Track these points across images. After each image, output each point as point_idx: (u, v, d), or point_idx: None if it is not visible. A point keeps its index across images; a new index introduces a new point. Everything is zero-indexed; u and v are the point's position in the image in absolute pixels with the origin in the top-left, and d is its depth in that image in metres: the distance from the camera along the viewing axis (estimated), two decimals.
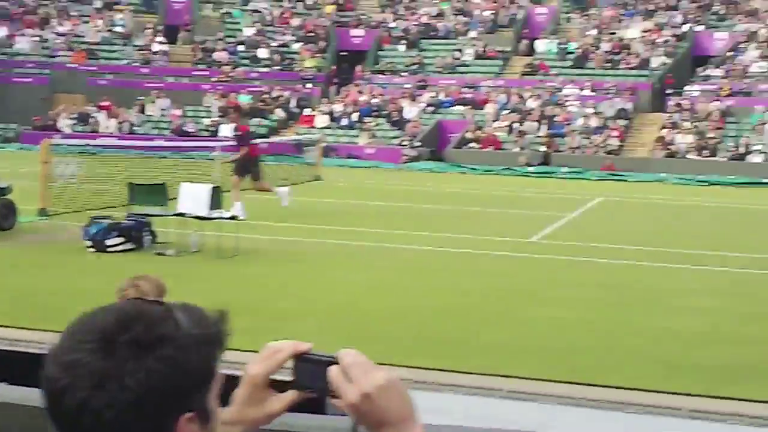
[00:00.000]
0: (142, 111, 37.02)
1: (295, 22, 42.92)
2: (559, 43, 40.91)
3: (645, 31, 40.91)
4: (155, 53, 40.39)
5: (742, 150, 31.83)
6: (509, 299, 9.63)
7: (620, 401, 6.17)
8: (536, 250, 13.23)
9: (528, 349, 7.54)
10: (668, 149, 32.73)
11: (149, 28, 41.48)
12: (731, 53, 38.72)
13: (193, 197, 12.25)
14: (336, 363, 1.36)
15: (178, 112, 36.63)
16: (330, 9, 43.92)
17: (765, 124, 32.79)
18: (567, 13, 44.65)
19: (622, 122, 34.87)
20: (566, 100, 36.14)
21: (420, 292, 9.86)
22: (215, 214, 12.15)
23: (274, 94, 37.80)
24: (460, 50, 41.12)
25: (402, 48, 41.85)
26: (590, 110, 35.12)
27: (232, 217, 12.25)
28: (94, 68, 39.29)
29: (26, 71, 39.36)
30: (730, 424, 5.82)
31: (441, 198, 21.28)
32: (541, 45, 41.23)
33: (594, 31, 41.42)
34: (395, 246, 13.19)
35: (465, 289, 10.07)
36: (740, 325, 8.55)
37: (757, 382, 6.68)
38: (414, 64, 40.44)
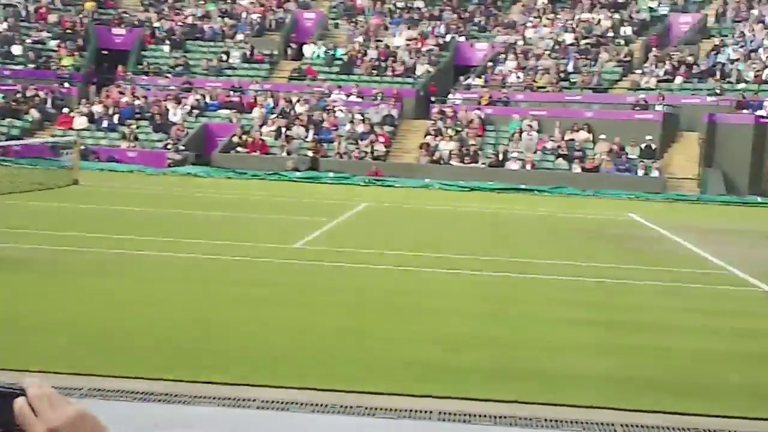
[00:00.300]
0: None
1: (53, 18, 41.00)
2: (327, 49, 41.26)
3: (410, 40, 41.98)
4: None
5: (501, 157, 33.17)
6: (266, 306, 9.45)
7: (376, 407, 6.14)
8: (299, 256, 13.15)
9: (282, 357, 7.39)
10: (432, 155, 33.65)
11: None
12: (491, 63, 40.35)
13: None
14: (23, 394, 1.23)
15: None
16: (90, 6, 42.29)
17: (522, 132, 34.33)
18: (334, 19, 45.15)
19: (388, 128, 35.55)
20: (333, 106, 36.45)
21: (172, 303, 9.50)
22: None
23: (29, 93, 35.90)
24: (226, 53, 40.68)
25: (166, 48, 40.91)
26: (357, 116, 35.57)
27: None
28: None
29: None
30: (483, 425, 5.91)
31: (204, 204, 20.88)
32: (308, 50, 41.44)
33: (361, 38, 42.06)
34: (156, 254, 12.72)
35: (227, 298, 9.81)
36: (492, 327, 8.77)
37: (507, 383, 6.83)
38: (179, 65, 39.61)
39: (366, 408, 6.11)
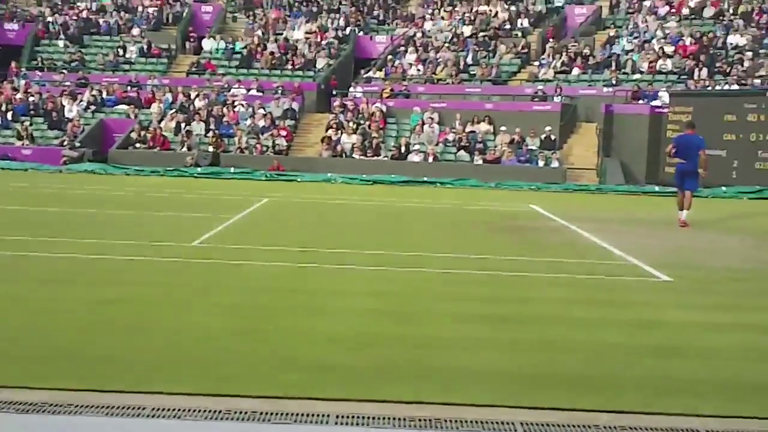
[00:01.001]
0: None
1: None
2: (226, 43, 40.71)
3: (309, 33, 41.72)
4: None
5: (403, 150, 33.19)
6: (161, 308, 9.12)
7: (268, 411, 5.92)
8: (197, 255, 12.81)
9: (174, 360, 7.09)
10: (334, 149, 33.49)
11: None
12: (391, 56, 40.36)
13: None
14: None
15: None
16: None
17: (424, 124, 34.41)
18: (233, 12, 44.61)
19: (289, 122, 35.28)
20: (233, 100, 36.00)
21: (65, 306, 9.10)
22: None
23: None
24: (123, 47, 39.79)
25: (61, 44, 39.81)
26: (258, 110, 35.20)
27: None
28: None
29: None
30: (376, 427, 5.74)
31: (99, 201, 20.31)
32: (207, 44, 40.85)
33: (260, 32, 41.62)
34: (49, 255, 12.24)
35: (110, 298, 9.43)
36: (390, 325, 8.62)
37: (406, 382, 6.68)
38: (74, 60, 38.60)
39: (258, 413, 5.89)
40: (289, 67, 39.59)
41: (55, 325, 8.21)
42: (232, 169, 31.09)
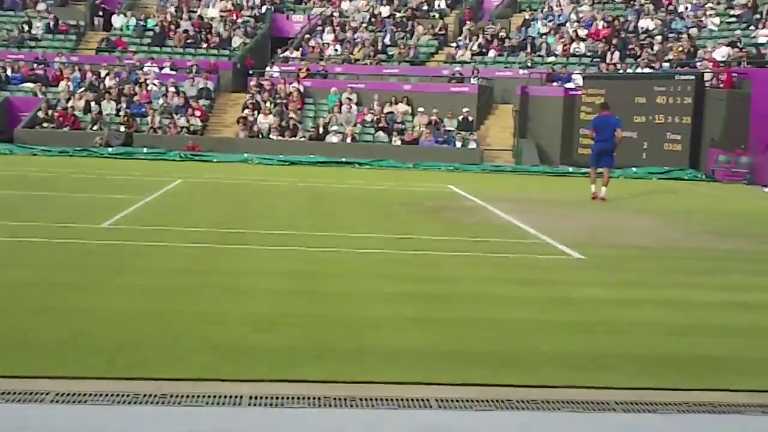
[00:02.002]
0: None
1: None
2: (137, 19, 39.92)
3: (224, 11, 41.17)
4: None
5: (321, 130, 33.03)
6: (69, 290, 8.88)
7: (180, 394, 5.80)
8: (107, 237, 12.52)
9: (83, 344, 6.90)
10: (251, 129, 33.15)
11: None
12: (308, 36, 40.08)
13: None
14: None
15: None
16: None
17: (342, 105, 34.27)
18: None
19: (204, 102, 34.79)
20: (146, 79, 35.31)
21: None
22: None
23: None
24: (28, 23, 38.70)
25: None
26: (171, 89, 34.61)
27: None
28: None
29: None
30: (290, 407, 5.67)
31: (7, 183, 19.76)
32: (117, 20, 40.00)
33: (173, 9, 40.92)
34: None
35: (15, 281, 9.16)
36: (305, 304, 8.54)
37: (323, 362, 6.63)
38: None
39: (170, 396, 5.76)
40: (204, 45, 39.02)
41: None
42: (144, 150, 30.53)
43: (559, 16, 40.14)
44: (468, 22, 40.39)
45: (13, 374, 6.08)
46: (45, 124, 32.42)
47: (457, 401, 5.84)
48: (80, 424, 5.33)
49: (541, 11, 41.43)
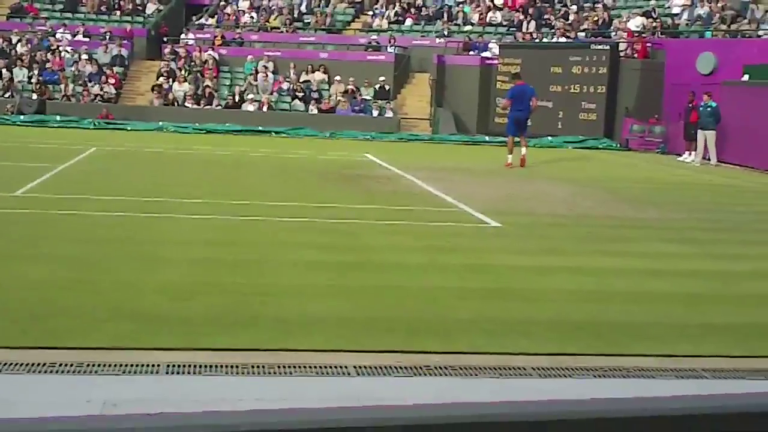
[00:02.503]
0: None
1: None
2: None
3: None
4: None
5: (237, 98, 32.70)
6: None
7: (97, 362, 5.74)
8: (20, 205, 12.26)
9: None
10: (166, 97, 32.65)
11: None
12: (223, 3, 39.55)
13: None
14: None
15: None
16: None
17: (258, 73, 33.96)
18: None
19: (118, 69, 34.11)
20: (58, 46, 34.47)
21: None
22: None
23: None
24: None
25: None
26: (84, 56, 33.85)
27: None
28: None
29: None
30: (208, 374, 5.66)
31: None
32: None
33: None
34: None
35: None
36: (222, 273, 8.50)
37: (241, 330, 6.62)
38: None
39: (85, 364, 5.70)
40: (117, 12, 38.25)
41: None
42: (57, 118, 29.87)
43: None
44: None
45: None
46: None
47: (376, 368, 5.90)
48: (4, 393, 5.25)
49: None
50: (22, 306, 7.02)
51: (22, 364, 5.67)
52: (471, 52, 34.82)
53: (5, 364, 5.64)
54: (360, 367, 5.90)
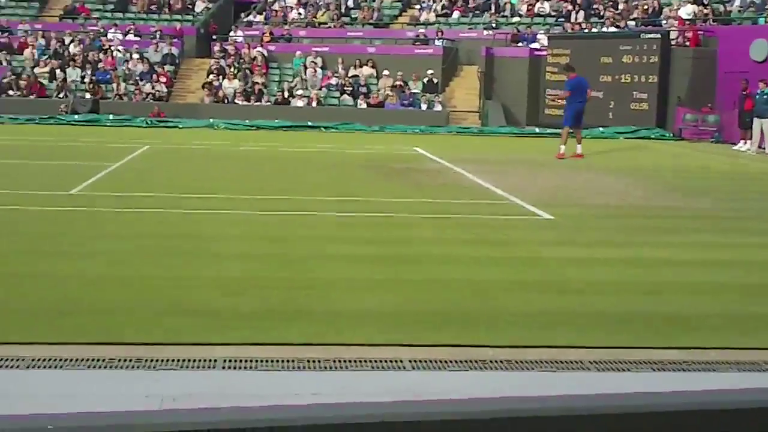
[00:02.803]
0: None
1: None
2: None
3: None
4: None
5: (286, 94, 32.87)
6: (39, 257, 8.85)
7: (156, 358, 5.82)
8: (75, 203, 12.46)
9: (55, 310, 6.90)
10: (216, 95, 32.93)
11: None
12: (271, 0, 39.75)
13: None
14: None
15: None
16: None
17: (306, 69, 34.09)
18: None
19: (169, 68, 34.45)
20: (110, 45, 34.91)
21: None
22: None
23: None
24: None
25: None
26: (135, 56, 34.24)
27: None
28: None
29: None
30: (263, 370, 5.71)
31: None
32: None
33: None
34: None
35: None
36: (275, 268, 8.56)
37: (293, 325, 6.67)
38: None
39: (144, 360, 5.78)
40: (167, 11, 38.62)
41: None
42: (110, 117, 30.26)
43: None
44: None
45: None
46: (11, 92, 32.04)
47: (430, 362, 5.91)
48: (55, 389, 5.35)
49: None
50: (80, 302, 7.14)
51: (81, 360, 5.77)
52: (519, 44, 34.62)
53: (65, 360, 5.75)
54: (415, 360, 5.91)
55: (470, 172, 17.52)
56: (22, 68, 33.44)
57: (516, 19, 36.97)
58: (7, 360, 5.72)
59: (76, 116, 30.25)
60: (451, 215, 12.16)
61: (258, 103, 32.55)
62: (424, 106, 32.59)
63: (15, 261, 8.64)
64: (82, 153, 19.83)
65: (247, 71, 33.97)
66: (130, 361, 5.78)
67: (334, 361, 5.85)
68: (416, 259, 9.13)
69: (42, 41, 34.89)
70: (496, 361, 5.96)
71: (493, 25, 36.35)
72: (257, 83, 33.28)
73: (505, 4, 37.94)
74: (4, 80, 32.34)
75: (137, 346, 6.08)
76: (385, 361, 5.88)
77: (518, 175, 17.52)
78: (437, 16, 37.85)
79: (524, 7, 37.48)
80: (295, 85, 33.31)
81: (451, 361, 5.92)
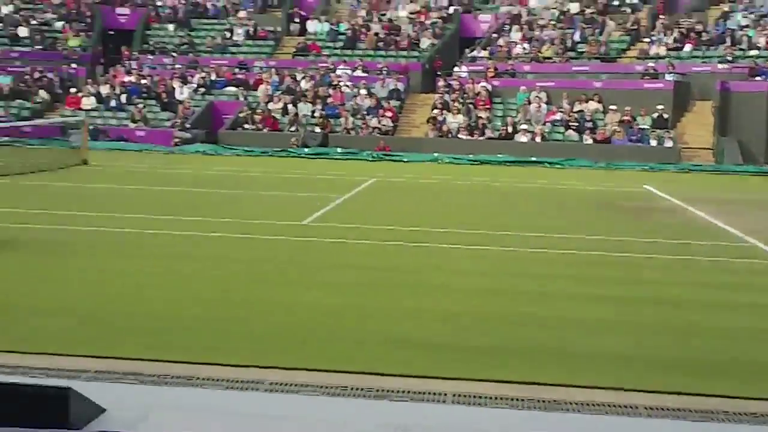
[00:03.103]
0: None
1: None
2: (330, 24, 40.83)
3: (413, 13, 41.51)
4: None
5: (509, 129, 32.79)
6: (276, 285, 9.16)
7: (384, 389, 5.85)
8: (307, 233, 12.85)
9: (290, 337, 7.10)
10: (440, 129, 33.29)
11: None
12: (495, 35, 39.88)
13: None
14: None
15: None
16: None
17: (530, 104, 33.92)
18: None
19: (394, 103, 35.16)
20: (339, 81, 36.06)
21: (184, 281, 9.23)
22: None
23: (36, 75, 35.62)
24: (230, 30, 40.28)
25: (171, 27, 40.53)
26: (363, 91, 35.20)
27: None
28: None
29: None
30: (493, 407, 5.60)
31: (215, 182, 20.58)
32: (312, 25, 41.03)
33: (364, 12, 41.62)
34: (164, 233, 12.48)
35: (232, 275, 9.53)
36: (502, 304, 8.46)
37: (522, 363, 6.54)
38: (184, 44, 39.24)
39: (376, 390, 5.82)
40: (394, 47, 39.53)
41: (163, 296, 8.34)
42: (339, 150, 31.20)
43: (761, 7, 38.28)
44: (662, 15, 39.11)
45: (228, 363, 6.32)
46: (246, 126, 33.69)
47: (668, 409, 5.63)
48: (292, 412, 5.46)
49: (741, 2, 39.62)
50: (312, 330, 7.30)
51: (317, 386, 5.89)
52: (758, 78, 33.03)
53: (300, 385, 5.87)
54: (651, 408, 5.65)
55: (705, 212, 16.77)
56: (257, 103, 35.07)
57: (754, 52, 35.33)
58: (249, 382, 5.91)
59: (306, 149, 31.38)
60: (685, 256, 11.67)
61: (481, 138, 32.64)
62: (653, 143, 31.62)
63: (248, 287, 8.98)
64: (313, 185, 20.48)
65: (471, 106, 34.17)
66: (360, 390, 5.84)
67: (568, 404, 5.68)
68: (651, 300, 8.78)
69: (276, 77, 36.49)
70: (736, 413, 5.59)
71: (729, 58, 34.89)
72: (481, 118, 33.40)
73: (742, 36, 36.36)
74: (241, 114, 34.02)
75: (366, 375, 6.14)
76: (621, 407, 5.65)
77: (757, 216, 16.61)
78: (668, 49, 36.75)
79: (762, 40, 35.79)
80: (519, 120, 33.20)
81: (688, 410, 5.63)
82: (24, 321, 7.56)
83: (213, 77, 36.56)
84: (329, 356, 6.58)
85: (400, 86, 35.96)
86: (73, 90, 35.00)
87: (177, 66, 37.48)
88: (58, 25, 39.15)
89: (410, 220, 14.65)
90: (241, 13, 41.46)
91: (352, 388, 5.89)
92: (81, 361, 6.38)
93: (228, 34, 40.04)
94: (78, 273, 9.62)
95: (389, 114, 34.14)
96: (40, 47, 37.88)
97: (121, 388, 5.71)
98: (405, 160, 29.93)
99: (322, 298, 8.51)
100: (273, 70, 37.33)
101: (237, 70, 37.46)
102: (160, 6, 41.49)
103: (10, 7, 39.44)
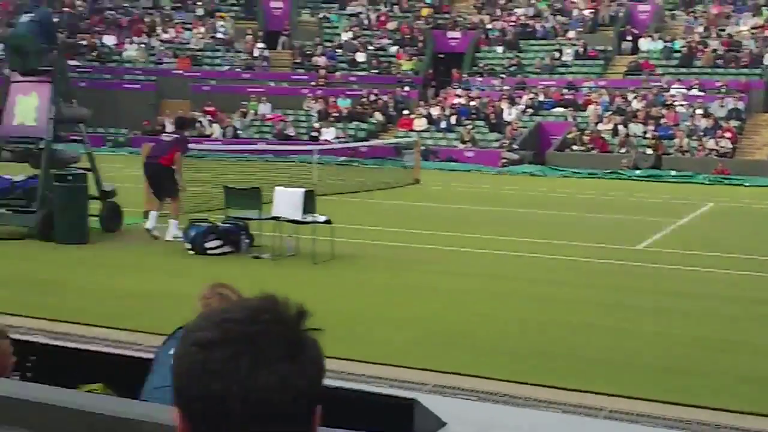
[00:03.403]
0: (244, 116, 37.21)
1: (392, 25, 42.69)
2: (664, 42, 39.70)
3: (755, 28, 39.43)
4: (256, 58, 40.66)
5: None
6: (605, 309, 9.07)
7: (727, 425, 5.61)
8: (642, 258, 12.56)
9: (622, 364, 7.00)
10: None
11: (249, 34, 41.75)
12: None
13: (287, 201, 12.03)
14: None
15: (280, 116, 36.74)
16: (426, 12, 43.57)
17: None
18: (671, 10, 43.37)
19: (734, 123, 33.53)
20: (673, 101, 34.97)
21: (516, 301, 9.39)
22: (309, 218, 11.90)
23: (372, 97, 37.63)
24: (559, 50, 40.29)
25: (499, 49, 41.23)
26: (699, 111, 33.88)
27: (327, 221, 11.92)
28: (198, 74, 39.71)
29: (135, 78, 40.01)
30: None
31: (543, 203, 20.67)
32: (644, 44, 40.10)
33: (701, 29, 40.10)
34: (494, 252, 12.75)
35: (565, 298, 9.55)
36: None
37: None
38: (512, 65, 39.77)
39: (723, 427, 5.60)
40: (733, 64, 37.72)
41: (516, 317, 8.55)
42: (672, 172, 30.19)
43: None
44: None
45: (562, 386, 6.36)
46: (574, 147, 33.53)
47: None
48: None
49: None
50: (645, 358, 7.19)
51: (657, 417, 5.79)
52: None
53: (668, 419, 5.76)
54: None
55: None
56: (586, 124, 34.80)
57: None
58: (587, 408, 5.89)
59: (637, 171, 30.66)
60: None
61: None
62: None
63: (589, 312, 8.94)
64: (645, 208, 19.97)
65: None
66: (715, 426, 5.65)
67: None
68: None
69: (606, 98, 36.02)
70: None
71: None
72: None
73: None
74: (569, 135, 33.89)
75: (715, 411, 5.93)
76: None
77: None
78: None
79: None
80: None
81: None
82: (370, 332, 8.03)
83: (541, 98, 36.74)
84: (674, 387, 6.39)
85: (740, 105, 34.25)
86: (405, 112, 36.56)
87: (505, 87, 38.05)
88: (393, 49, 41.09)
89: (753, 247, 13.85)
90: (571, 33, 41.37)
91: (699, 423, 5.70)
92: (422, 374, 6.66)
93: (557, 55, 40.09)
94: (416, 290, 10.04)
95: (728, 135, 32.59)
96: (376, 71, 39.92)
97: (462, 404, 5.91)
98: (746, 184, 28.32)
99: (663, 325, 8.31)
100: (603, 90, 36.91)
101: (565, 90, 37.41)
102: (490, 29, 42.33)
103: (350, 34, 41.94)
